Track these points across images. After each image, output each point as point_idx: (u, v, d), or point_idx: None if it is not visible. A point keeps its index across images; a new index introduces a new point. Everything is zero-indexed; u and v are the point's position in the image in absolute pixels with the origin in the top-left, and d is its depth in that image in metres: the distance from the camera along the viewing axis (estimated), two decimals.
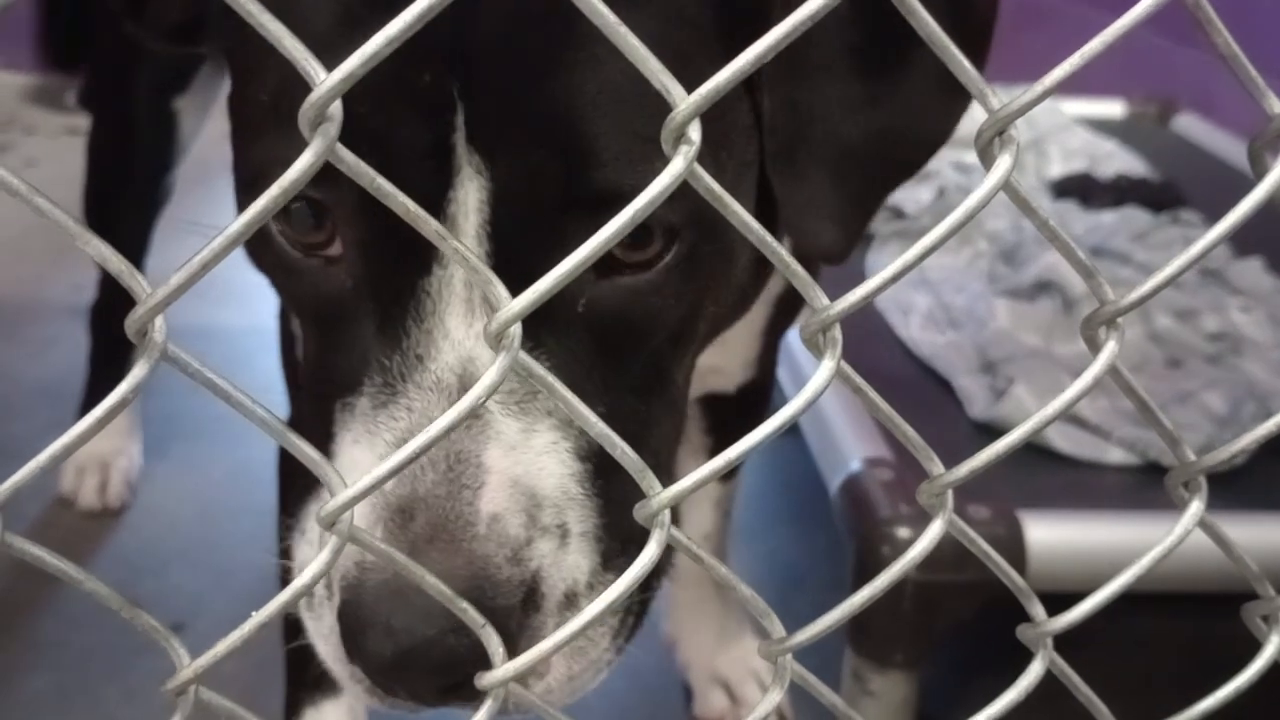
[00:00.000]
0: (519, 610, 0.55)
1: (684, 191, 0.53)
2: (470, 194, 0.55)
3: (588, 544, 0.58)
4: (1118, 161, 2.13)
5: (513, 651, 0.50)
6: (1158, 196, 1.94)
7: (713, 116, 0.53)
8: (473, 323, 0.56)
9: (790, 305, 0.97)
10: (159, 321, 0.39)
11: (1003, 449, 0.46)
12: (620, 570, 0.58)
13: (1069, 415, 1.31)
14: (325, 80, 0.37)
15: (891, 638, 1.15)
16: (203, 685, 0.45)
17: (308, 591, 0.43)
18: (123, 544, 1.50)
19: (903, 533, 1.12)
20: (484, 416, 0.56)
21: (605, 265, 0.59)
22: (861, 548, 1.14)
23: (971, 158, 2.18)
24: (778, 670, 0.50)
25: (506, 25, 0.56)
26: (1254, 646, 0.62)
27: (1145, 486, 1.25)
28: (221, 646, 0.43)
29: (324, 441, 0.60)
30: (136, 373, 0.39)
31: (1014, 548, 1.10)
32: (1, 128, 2.83)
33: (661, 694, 1.31)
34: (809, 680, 0.50)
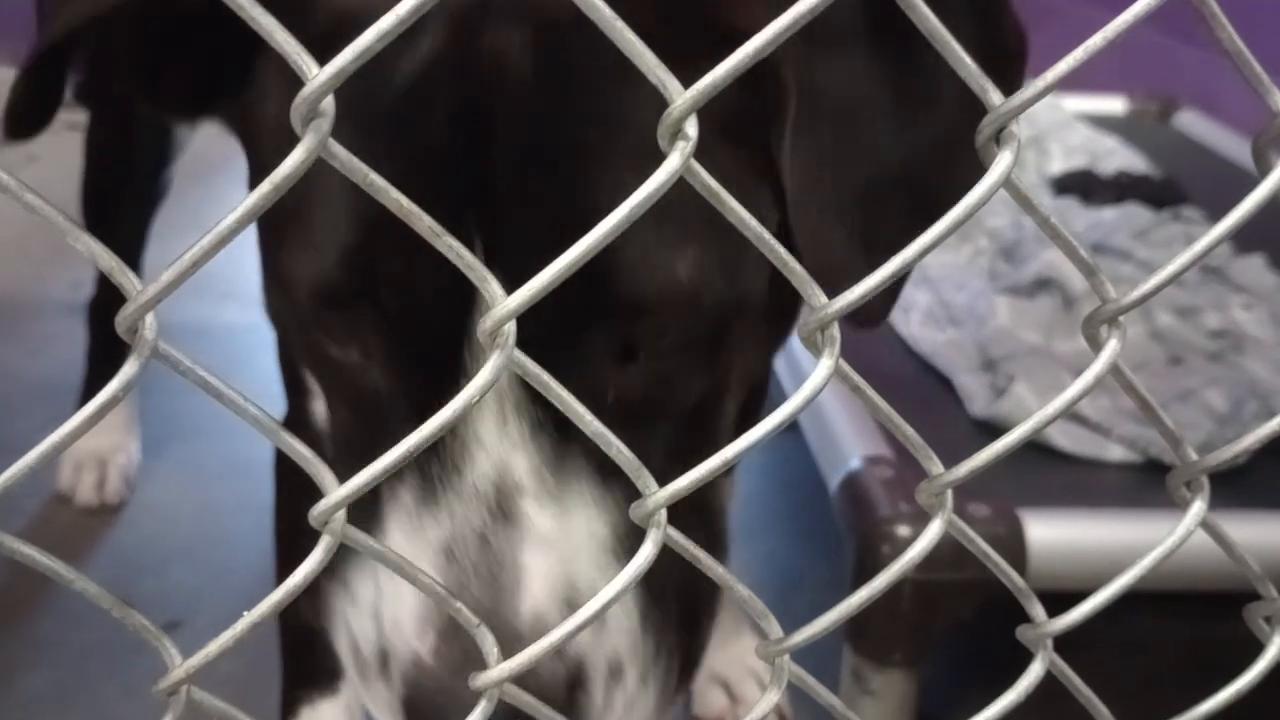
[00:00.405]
0: (564, 696, 0.57)
1: (702, 284, 0.56)
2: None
3: (626, 614, 0.60)
4: (1119, 158, 2.13)
5: None
6: (1159, 193, 1.94)
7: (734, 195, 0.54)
8: (506, 429, 0.57)
9: (783, 312, 0.96)
10: (150, 319, 0.39)
11: (1003, 449, 0.46)
12: (660, 640, 0.61)
13: (1069, 413, 1.31)
14: (317, 75, 0.37)
15: (891, 636, 1.14)
16: (195, 685, 0.44)
17: (300, 591, 0.43)
18: (120, 541, 1.50)
19: (903, 531, 1.11)
20: (517, 517, 0.57)
21: (630, 350, 0.59)
22: (861, 546, 1.14)
23: None
24: (775, 671, 0.49)
25: (516, 148, 0.56)
26: (1255, 647, 0.62)
27: (1146, 485, 1.24)
28: (213, 646, 0.42)
29: (369, 520, 0.61)
30: (126, 370, 0.39)
31: (1014, 546, 1.10)
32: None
33: None
34: (807, 681, 0.50)
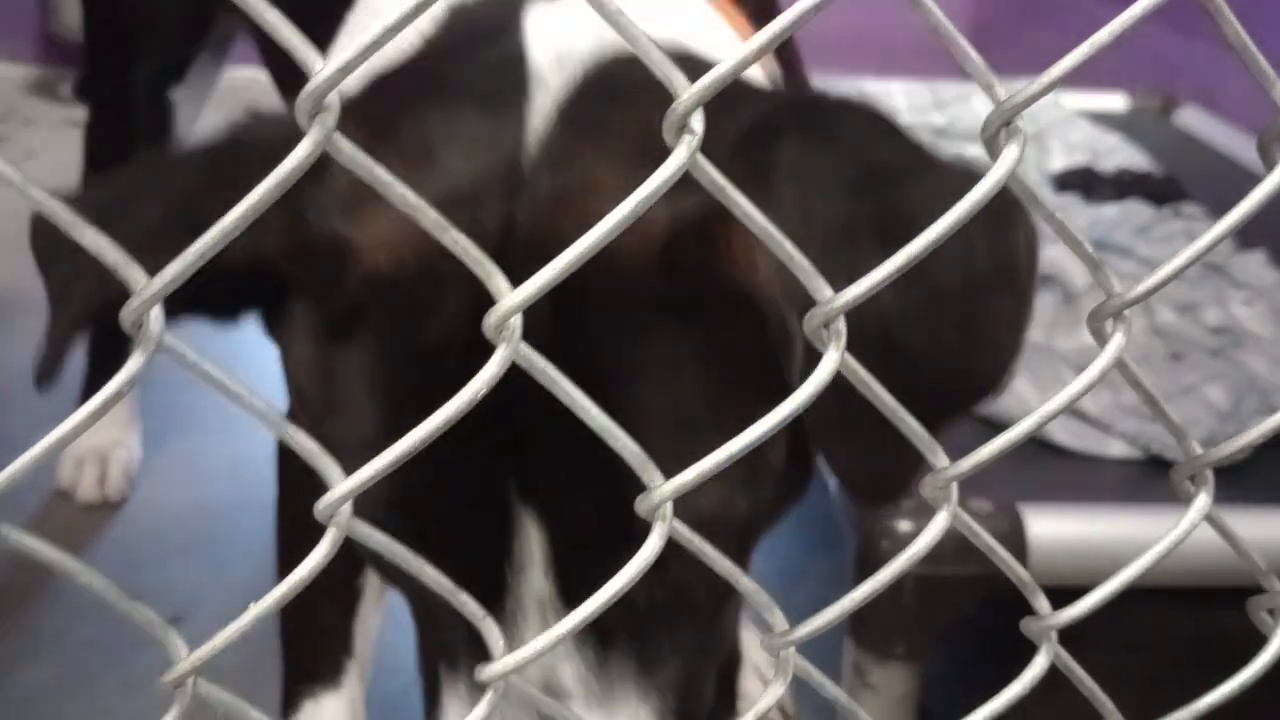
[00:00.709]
0: None
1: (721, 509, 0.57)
2: (531, 539, 0.58)
3: None
4: (1120, 155, 2.13)
5: None
6: (1160, 190, 1.94)
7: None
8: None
9: None
10: (155, 312, 0.39)
11: (1007, 443, 0.46)
12: None
13: (1071, 409, 1.31)
14: (323, 69, 0.37)
15: (893, 631, 1.14)
16: (201, 678, 0.44)
17: (305, 584, 0.43)
18: (121, 536, 1.50)
19: (903, 526, 1.11)
20: None
21: (660, 564, 0.59)
22: (862, 541, 1.14)
23: (975, 151, 2.18)
24: (780, 663, 0.49)
25: (546, 401, 0.56)
26: (1258, 642, 0.62)
27: (1147, 480, 1.24)
28: (220, 639, 0.42)
29: (432, 681, 0.64)
30: (131, 365, 0.39)
31: (1015, 541, 1.10)
32: (1, 119, 2.83)
33: None
34: (810, 673, 0.50)
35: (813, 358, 0.57)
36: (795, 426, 0.60)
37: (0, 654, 1.31)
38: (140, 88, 1.45)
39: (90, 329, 0.64)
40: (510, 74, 0.61)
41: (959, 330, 0.57)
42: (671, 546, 0.52)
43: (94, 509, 1.53)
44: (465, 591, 0.58)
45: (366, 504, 0.59)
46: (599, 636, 0.60)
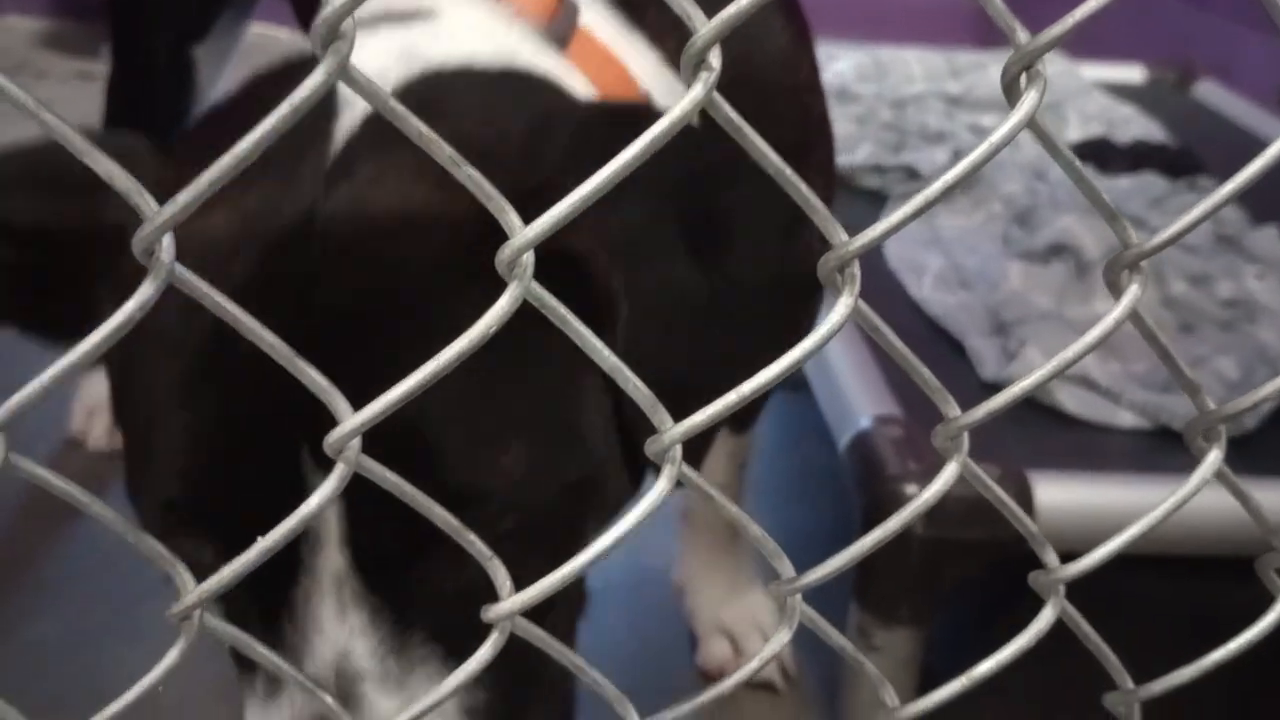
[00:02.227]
0: None
1: (532, 469, 0.59)
2: (329, 514, 0.58)
3: None
4: (1136, 127, 2.11)
5: None
6: (1175, 163, 1.92)
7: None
8: (345, 618, 0.59)
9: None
10: (166, 240, 0.39)
11: (1020, 391, 0.45)
12: None
13: (1080, 377, 1.31)
14: None
15: (898, 594, 1.15)
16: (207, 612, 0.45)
17: (311, 519, 0.43)
18: None
19: (911, 490, 1.11)
20: (360, 702, 0.59)
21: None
22: (869, 505, 1.14)
23: (988, 120, 2.18)
24: (786, 611, 0.49)
25: (338, 358, 0.55)
26: (1260, 611, 0.61)
27: (1156, 450, 1.24)
28: (227, 572, 0.42)
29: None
30: (143, 292, 0.39)
31: (1023, 507, 1.09)
32: (13, 72, 2.81)
33: (666, 641, 1.31)
34: (817, 622, 0.50)
35: (631, 320, 0.60)
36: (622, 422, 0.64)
37: (9, 608, 1.31)
38: (162, 43, 1.45)
39: None
40: (323, 101, 0.64)
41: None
42: (480, 520, 0.53)
43: (104, 458, 1.54)
44: (262, 571, 0.59)
45: (162, 481, 0.60)
46: (397, 617, 0.60)
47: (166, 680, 0.47)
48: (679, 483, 0.46)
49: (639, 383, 0.45)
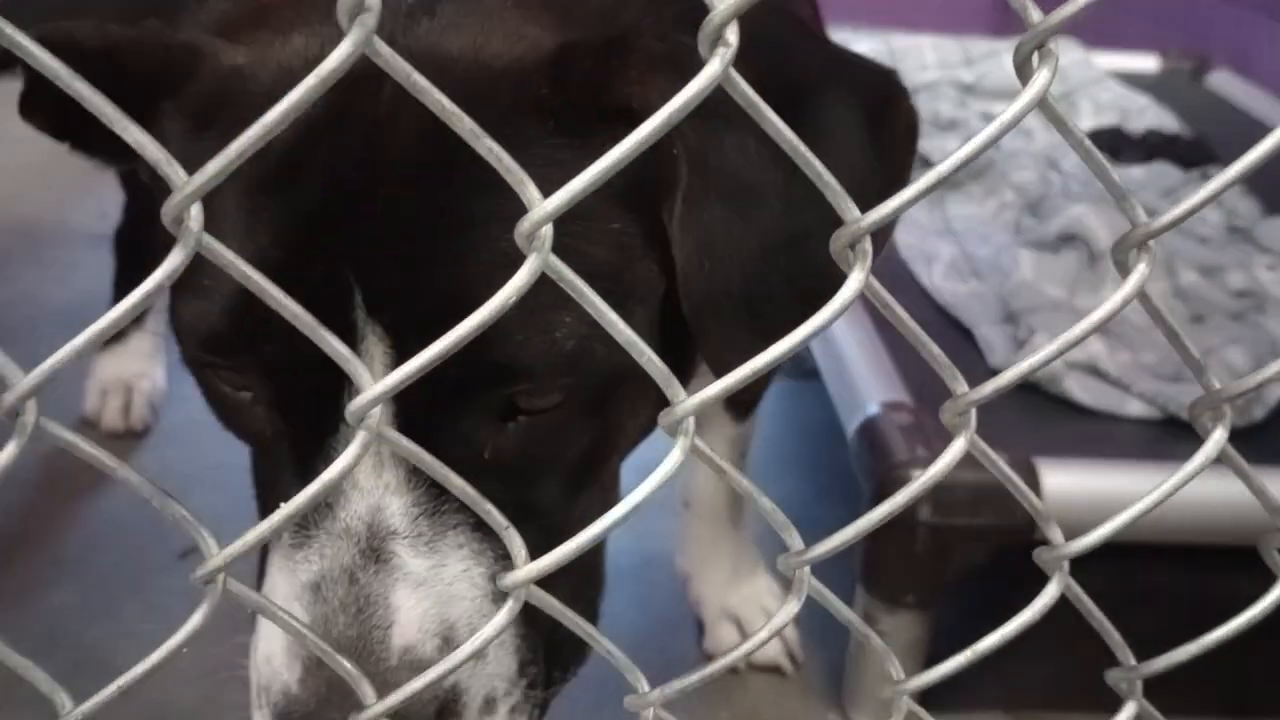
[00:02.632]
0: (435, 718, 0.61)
1: (581, 350, 0.58)
2: (375, 359, 0.58)
3: (506, 655, 0.63)
4: (1149, 117, 2.11)
5: None
6: (1188, 153, 1.92)
7: (615, 269, 0.59)
8: (381, 474, 0.60)
9: None
10: (195, 209, 0.39)
11: (1029, 368, 0.46)
12: (533, 676, 0.65)
13: (1089, 367, 1.31)
14: None
15: (904, 579, 1.15)
16: (230, 577, 0.45)
17: (333, 487, 0.44)
18: (145, 465, 1.52)
19: (919, 475, 1.12)
20: (390, 560, 0.59)
21: (507, 410, 0.61)
22: (877, 489, 1.15)
23: (1001, 108, 2.17)
24: (795, 583, 0.50)
25: (399, 205, 0.58)
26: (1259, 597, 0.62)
27: (1163, 440, 1.25)
28: (251, 535, 0.43)
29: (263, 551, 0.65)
30: (172, 259, 0.40)
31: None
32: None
33: (673, 627, 1.32)
34: (824, 594, 0.51)
35: (693, 191, 0.58)
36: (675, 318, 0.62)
37: (27, 579, 1.33)
38: None
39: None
40: None
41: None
42: (527, 393, 0.53)
43: (118, 438, 1.55)
44: (301, 423, 0.59)
45: (210, 313, 0.60)
46: (433, 481, 0.59)
47: (189, 645, 0.48)
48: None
49: (653, 356, 0.45)
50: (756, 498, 0.49)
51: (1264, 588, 0.61)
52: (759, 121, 0.42)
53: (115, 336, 1.50)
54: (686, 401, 0.45)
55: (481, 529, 0.61)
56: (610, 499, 0.72)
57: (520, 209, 0.54)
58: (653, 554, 1.37)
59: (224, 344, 0.61)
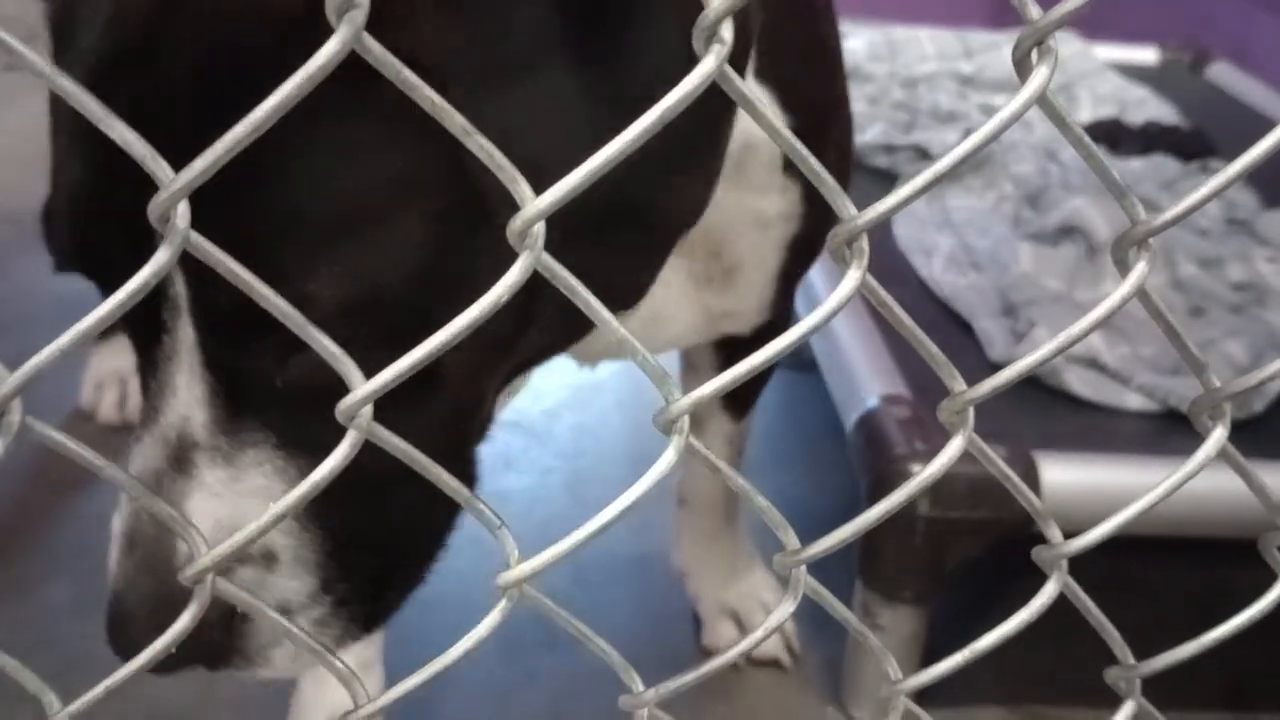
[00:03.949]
0: (226, 619, 0.63)
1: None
2: (178, 280, 0.59)
3: (300, 568, 0.65)
4: (1149, 108, 2.11)
5: (221, 653, 0.63)
6: (1187, 145, 1.92)
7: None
8: (192, 386, 0.61)
9: (806, 247, 0.95)
10: (183, 207, 0.39)
11: (1026, 367, 0.46)
12: (342, 593, 0.66)
13: (1088, 360, 1.31)
14: None
15: (902, 573, 1.15)
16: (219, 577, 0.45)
17: (325, 484, 0.44)
18: None
19: (917, 469, 1.11)
20: (190, 471, 0.62)
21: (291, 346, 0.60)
22: (875, 484, 1.15)
23: (1000, 100, 2.17)
24: (791, 582, 0.50)
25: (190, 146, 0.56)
26: (1261, 593, 0.61)
27: (1163, 433, 1.24)
28: (239, 537, 0.43)
29: None
30: (159, 257, 0.39)
31: (1029, 487, 1.10)
32: (24, 42, 2.81)
33: (671, 621, 1.32)
34: (821, 594, 0.50)
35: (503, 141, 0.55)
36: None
37: (22, 572, 1.32)
38: None
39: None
40: None
41: None
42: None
43: (114, 430, 1.55)
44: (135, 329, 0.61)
45: (53, 218, 0.62)
46: (231, 398, 0.61)
47: (176, 644, 0.47)
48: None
49: (647, 354, 0.45)
50: (752, 497, 0.48)
51: (1262, 580, 0.61)
52: (753, 117, 0.41)
53: (110, 330, 1.50)
54: (681, 400, 0.45)
55: (285, 449, 0.62)
56: (470, 423, 0.71)
57: (302, 158, 0.56)
58: (650, 549, 1.37)
59: (71, 258, 0.63)
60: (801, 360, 1.61)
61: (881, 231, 1.58)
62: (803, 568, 0.49)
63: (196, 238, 0.40)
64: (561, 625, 0.50)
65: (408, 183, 0.59)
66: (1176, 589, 1.40)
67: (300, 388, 0.61)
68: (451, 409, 0.67)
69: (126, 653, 0.63)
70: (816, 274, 1.47)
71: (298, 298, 0.56)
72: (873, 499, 1.17)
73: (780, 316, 1.03)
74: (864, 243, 0.43)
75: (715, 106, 0.58)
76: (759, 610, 1.29)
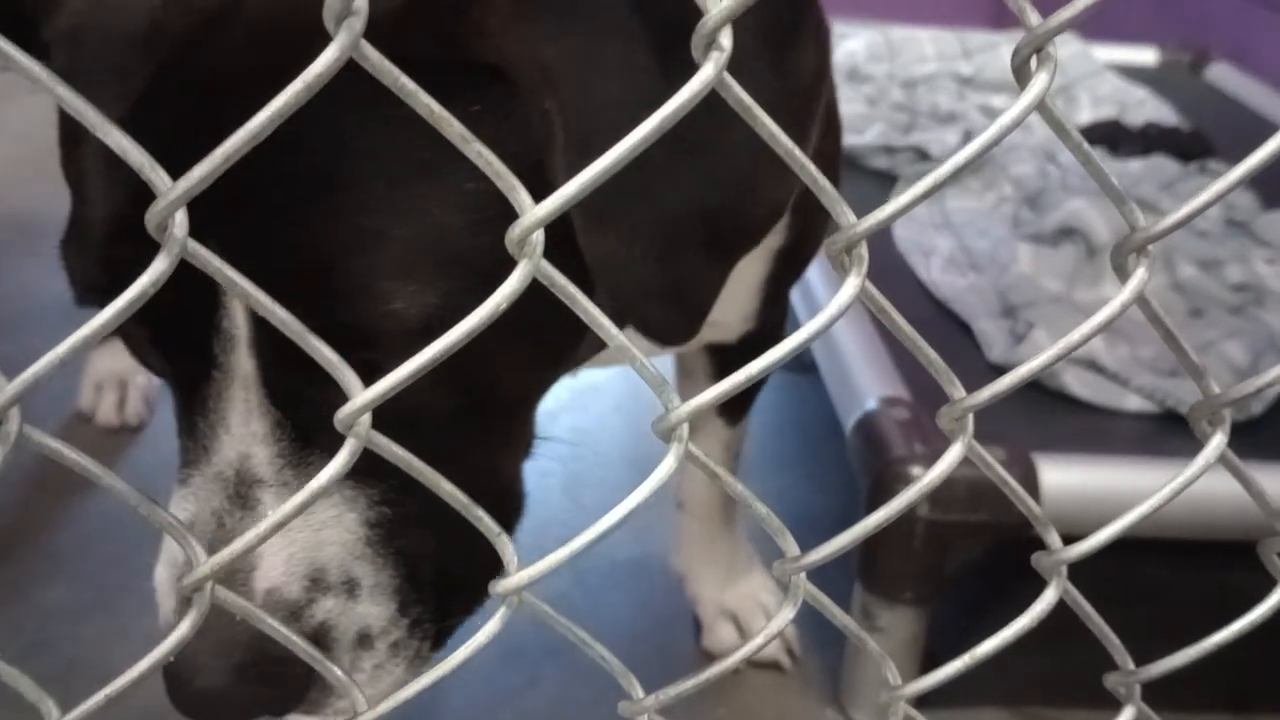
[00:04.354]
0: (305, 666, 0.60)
1: (429, 319, 0.56)
2: (237, 311, 0.58)
3: (381, 594, 0.64)
4: (1148, 109, 2.11)
5: (303, 689, 0.60)
6: (1187, 146, 1.92)
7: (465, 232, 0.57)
8: (250, 422, 0.60)
9: (792, 258, 0.95)
10: (180, 216, 0.39)
11: (1025, 374, 0.46)
12: (417, 615, 0.65)
13: (1087, 361, 1.31)
14: None
15: (902, 575, 1.15)
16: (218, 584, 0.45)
17: (324, 492, 0.43)
18: (139, 460, 1.52)
19: (916, 471, 1.11)
20: (256, 508, 0.60)
21: (367, 373, 0.59)
22: (874, 486, 1.14)
23: (999, 101, 2.17)
24: (790, 589, 0.50)
25: (261, 163, 0.54)
26: (1261, 595, 0.61)
27: (1162, 434, 1.24)
28: (239, 544, 0.43)
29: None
30: (157, 266, 0.39)
31: (1028, 490, 1.10)
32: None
33: (671, 624, 1.32)
34: (820, 600, 0.50)
35: (572, 147, 0.55)
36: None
37: (21, 574, 1.32)
38: None
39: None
40: None
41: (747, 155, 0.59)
42: (380, 358, 0.52)
43: (113, 433, 1.55)
44: (181, 363, 0.59)
45: (84, 260, 0.60)
46: (298, 433, 0.60)
47: (176, 651, 0.47)
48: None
49: (648, 362, 0.45)
50: (751, 503, 0.48)
51: (1262, 582, 0.61)
52: (754, 126, 0.41)
53: (109, 332, 1.50)
54: (680, 408, 0.45)
55: (353, 476, 0.60)
56: (513, 440, 0.71)
57: (377, 178, 0.54)
58: (650, 552, 1.37)
59: (99, 291, 0.61)
60: (801, 362, 1.61)
61: (880, 233, 1.58)
62: (802, 574, 0.49)
63: (194, 246, 0.40)
64: (561, 631, 0.50)
65: (484, 196, 0.58)
66: (1177, 592, 1.40)
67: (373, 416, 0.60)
68: (510, 423, 0.68)
69: (203, 712, 0.61)
70: (816, 279, 1.48)
71: (383, 315, 0.57)
72: (872, 501, 1.18)
73: (770, 324, 1.03)
74: (863, 250, 0.43)
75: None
76: (758, 613, 1.29)
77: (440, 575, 0.66)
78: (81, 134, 0.61)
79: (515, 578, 0.46)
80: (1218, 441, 0.51)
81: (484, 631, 0.48)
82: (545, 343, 0.67)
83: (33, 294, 1.83)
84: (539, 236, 0.42)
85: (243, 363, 0.59)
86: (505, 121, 0.58)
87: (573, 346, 0.69)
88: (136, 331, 0.62)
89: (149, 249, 0.52)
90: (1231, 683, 1.26)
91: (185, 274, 0.56)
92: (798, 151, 0.42)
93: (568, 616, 0.50)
